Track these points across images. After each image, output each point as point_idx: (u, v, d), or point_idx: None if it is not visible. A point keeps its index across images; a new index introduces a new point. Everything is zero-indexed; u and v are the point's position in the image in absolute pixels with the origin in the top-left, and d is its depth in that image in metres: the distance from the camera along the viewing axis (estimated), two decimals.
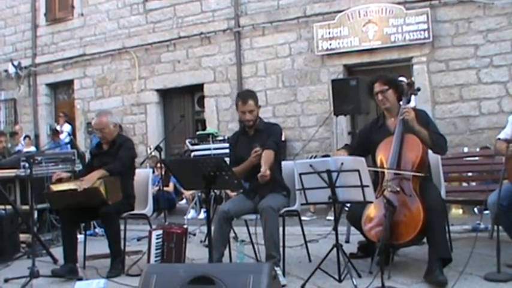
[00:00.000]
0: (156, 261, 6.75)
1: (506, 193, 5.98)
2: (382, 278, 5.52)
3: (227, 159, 6.17)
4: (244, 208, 6.79)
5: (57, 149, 14.57)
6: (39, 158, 9.52)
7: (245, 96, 7.09)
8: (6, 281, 6.78)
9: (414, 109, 6.52)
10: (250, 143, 6.87)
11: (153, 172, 12.25)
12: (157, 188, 12.18)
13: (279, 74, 15.77)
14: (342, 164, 5.84)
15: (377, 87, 6.63)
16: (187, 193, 13.53)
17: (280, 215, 6.59)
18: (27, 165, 8.25)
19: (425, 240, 6.18)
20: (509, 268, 6.00)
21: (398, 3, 14.06)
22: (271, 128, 7.11)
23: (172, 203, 14.14)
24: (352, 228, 7.37)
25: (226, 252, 6.78)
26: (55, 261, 7.86)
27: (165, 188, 13.27)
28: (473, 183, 9.33)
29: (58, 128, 18.53)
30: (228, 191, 11.02)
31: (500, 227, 5.98)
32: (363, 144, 6.86)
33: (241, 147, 7.00)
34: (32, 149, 17.72)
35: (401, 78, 7.08)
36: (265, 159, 6.67)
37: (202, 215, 12.18)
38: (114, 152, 7.49)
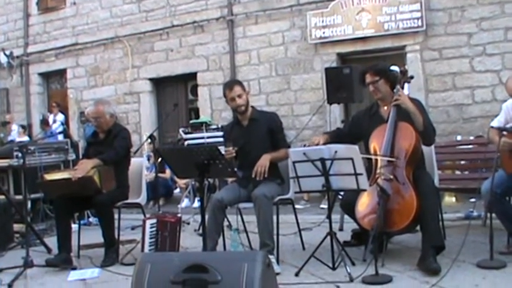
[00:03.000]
0: (150, 250, 6.75)
1: (499, 181, 5.99)
2: (376, 266, 5.55)
3: (221, 148, 6.16)
4: (238, 196, 6.80)
5: (50, 138, 14.56)
6: (32, 148, 9.47)
7: (230, 83, 7.19)
8: (0, 271, 6.78)
9: (408, 97, 6.52)
10: (246, 133, 6.86)
11: (148, 160, 12.27)
12: (153, 174, 12.18)
13: (272, 62, 15.72)
14: (336, 152, 5.85)
15: (368, 77, 6.64)
16: (181, 182, 13.53)
17: (274, 203, 6.61)
18: (20, 155, 8.24)
19: (418, 228, 6.21)
20: (502, 255, 6.03)
21: None
22: (268, 118, 7.11)
23: (170, 190, 14.17)
24: (346, 216, 7.38)
25: (220, 240, 6.79)
26: (49, 250, 7.85)
27: (162, 175, 13.28)
28: (467, 171, 9.34)
29: (51, 117, 18.49)
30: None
31: (493, 215, 6.00)
32: (354, 131, 6.89)
33: (236, 138, 6.96)
34: (25, 138, 17.68)
35: (393, 67, 7.07)
36: (275, 154, 6.73)
37: (196, 204, 12.17)
38: (110, 141, 7.49)
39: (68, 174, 7.06)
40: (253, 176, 6.63)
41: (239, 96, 6.88)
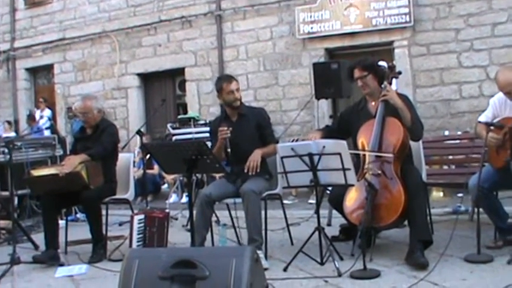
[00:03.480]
0: (138, 245, 6.74)
1: (486, 176, 6.02)
2: (364, 261, 5.57)
3: (209, 143, 6.15)
4: (226, 192, 6.79)
5: (36, 134, 14.51)
6: (19, 144, 9.42)
7: (228, 77, 7.14)
8: None
9: (396, 93, 6.53)
10: (235, 128, 6.81)
11: (134, 156, 12.24)
12: (142, 171, 12.17)
13: (260, 57, 15.72)
14: (324, 147, 5.85)
15: (356, 72, 6.64)
16: (169, 177, 13.53)
17: (262, 198, 6.61)
18: (6, 150, 8.19)
19: (406, 222, 6.23)
20: (489, 250, 6.06)
21: None
22: (256, 113, 7.09)
23: (158, 186, 14.17)
24: (334, 211, 7.39)
25: (208, 236, 6.79)
26: (36, 247, 7.83)
27: (150, 171, 13.25)
28: (454, 166, 9.37)
29: (38, 113, 18.45)
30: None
31: (481, 209, 6.02)
32: (343, 127, 6.89)
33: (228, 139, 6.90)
34: (12, 134, 17.64)
35: (381, 63, 7.08)
36: (266, 149, 6.73)
37: (184, 199, 12.16)
38: (97, 136, 7.45)
39: (55, 170, 7.03)
40: (245, 170, 6.61)
41: (237, 90, 6.87)
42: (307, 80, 14.70)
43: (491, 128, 5.96)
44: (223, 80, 7.02)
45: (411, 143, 6.54)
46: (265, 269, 5.72)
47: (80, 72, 18.71)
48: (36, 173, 7.19)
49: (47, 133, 15.77)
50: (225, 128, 6.65)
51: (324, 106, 13.75)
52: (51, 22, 19.27)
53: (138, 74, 17.83)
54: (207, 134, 8.16)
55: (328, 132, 6.80)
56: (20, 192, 9.23)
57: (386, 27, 13.99)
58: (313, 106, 13.82)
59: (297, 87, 15.19)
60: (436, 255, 5.84)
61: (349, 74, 6.81)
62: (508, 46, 12.93)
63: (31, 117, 18.21)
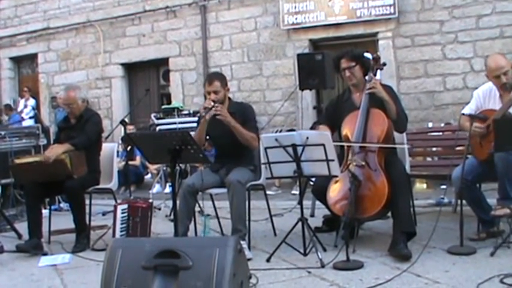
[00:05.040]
0: (121, 235, 6.73)
1: (470, 168, 6.06)
2: (347, 252, 5.58)
3: (192, 133, 6.13)
4: (209, 182, 6.76)
5: (18, 123, 14.47)
6: (2, 133, 9.38)
7: (211, 76, 7.04)
8: None
9: (381, 84, 6.54)
10: (221, 125, 6.76)
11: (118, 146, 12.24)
12: (124, 162, 12.18)
13: (245, 48, 15.73)
14: (307, 138, 5.85)
15: (344, 63, 6.63)
16: (152, 167, 13.54)
17: (246, 189, 6.60)
18: None
19: (389, 214, 6.25)
20: (472, 241, 6.09)
21: None
22: (243, 110, 7.04)
23: (140, 177, 14.17)
24: (317, 202, 7.39)
25: (192, 226, 6.78)
26: (19, 236, 7.81)
27: (132, 162, 13.24)
28: (437, 158, 9.41)
29: (22, 102, 18.41)
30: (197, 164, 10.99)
31: (464, 201, 6.04)
32: (331, 120, 6.87)
33: (212, 129, 6.81)
34: None
35: (365, 54, 7.07)
36: (242, 129, 6.70)
37: (167, 190, 12.17)
38: (81, 126, 7.42)
39: (39, 158, 7.03)
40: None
41: (215, 92, 6.79)
42: (291, 71, 14.73)
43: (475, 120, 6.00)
44: (206, 80, 7.01)
45: (395, 134, 6.56)
46: (249, 259, 5.73)
47: (64, 61, 18.64)
48: (21, 161, 7.17)
49: (30, 122, 15.75)
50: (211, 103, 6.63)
51: (308, 97, 13.79)
52: (35, 11, 19.17)
53: (122, 64, 17.80)
54: (191, 124, 8.15)
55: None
56: (3, 181, 9.17)
57: (370, 19, 14.02)
58: (297, 97, 13.86)
59: (281, 78, 15.20)
60: (419, 246, 5.86)
61: (335, 64, 6.79)
62: (492, 38, 13.01)
63: (7, 107, 18.19)
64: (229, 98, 7.06)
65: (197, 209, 7.36)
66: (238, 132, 6.65)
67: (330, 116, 6.94)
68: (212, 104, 6.58)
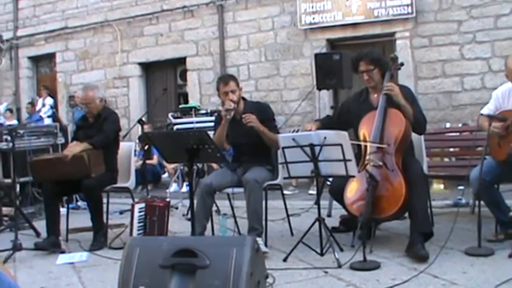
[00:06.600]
0: (138, 234, 6.77)
1: (488, 168, 6.01)
2: (364, 252, 5.57)
3: (210, 133, 6.14)
4: (227, 181, 6.79)
5: (38, 122, 14.53)
6: (21, 131, 9.44)
7: (225, 77, 7.11)
8: None
9: (398, 85, 6.52)
10: (239, 126, 6.78)
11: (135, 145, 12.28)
12: (141, 161, 12.22)
13: (262, 48, 15.70)
14: (325, 138, 5.84)
15: (362, 65, 6.61)
16: (169, 167, 13.57)
17: (263, 188, 6.60)
18: (9, 138, 8.21)
19: (407, 214, 6.23)
20: (490, 243, 6.07)
21: None
22: (263, 110, 7.07)
23: (157, 176, 14.22)
24: (334, 202, 7.39)
25: (209, 225, 6.80)
26: (38, 234, 7.87)
27: (149, 161, 13.28)
28: (455, 159, 9.38)
29: (40, 101, 18.48)
30: (213, 164, 11.01)
31: (482, 202, 6.01)
32: (343, 118, 6.88)
33: (230, 129, 6.85)
34: (14, 122, 17.68)
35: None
36: (269, 133, 6.74)
37: (184, 189, 12.18)
38: (99, 125, 7.46)
39: (59, 156, 7.09)
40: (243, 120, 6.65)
41: (233, 92, 6.83)
42: (308, 71, 14.69)
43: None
44: (221, 80, 7.03)
45: (413, 135, 6.54)
46: (265, 253, 5.76)
47: (81, 61, 18.69)
48: (39, 158, 7.24)
49: (48, 121, 15.83)
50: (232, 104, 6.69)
51: (325, 97, 13.76)
52: (53, 11, 19.24)
53: (140, 63, 17.82)
54: (209, 124, 8.16)
55: (328, 123, 6.79)
56: (22, 179, 9.24)
57: (388, 18, 13.96)
58: (314, 97, 13.82)
59: (298, 78, 15.16)
60: (437, 247, 5.84)
61: (354, 65, 6.78)
62: (510, 38, 12.89)
63: (32, 105, 18.31)
64: (243, 98, 7.08)
65: (214, 208, 7.37)
66: (267, 137, 6.74)
67: (343, 113, 6.95)
68: (233, 105, 6.63)
